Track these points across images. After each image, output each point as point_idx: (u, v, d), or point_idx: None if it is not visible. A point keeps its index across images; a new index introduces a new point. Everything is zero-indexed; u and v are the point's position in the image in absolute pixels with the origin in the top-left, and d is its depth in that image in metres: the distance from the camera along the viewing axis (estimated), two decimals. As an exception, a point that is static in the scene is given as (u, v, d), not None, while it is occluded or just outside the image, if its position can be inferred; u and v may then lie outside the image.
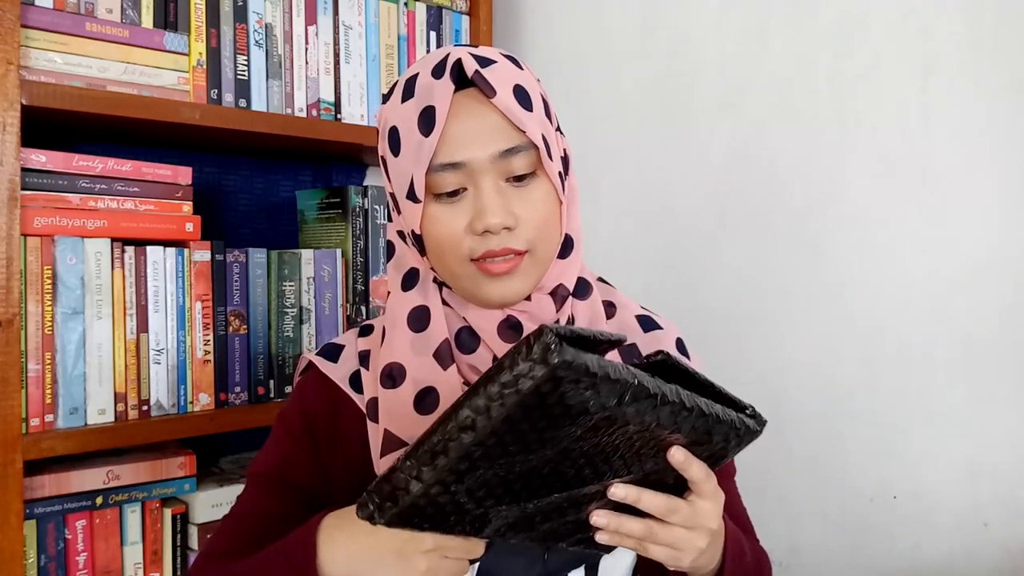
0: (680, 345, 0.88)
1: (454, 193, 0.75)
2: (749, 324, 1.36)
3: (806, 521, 1.31)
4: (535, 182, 0.76)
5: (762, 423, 0.69)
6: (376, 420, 0.81)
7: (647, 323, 0.88)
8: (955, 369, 1.18)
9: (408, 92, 0.76)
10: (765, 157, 1.36)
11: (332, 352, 0.87)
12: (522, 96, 0.74)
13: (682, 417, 0.62)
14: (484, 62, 0.74)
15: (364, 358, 0.85)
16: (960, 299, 1.18)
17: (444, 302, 0.81)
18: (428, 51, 1.50)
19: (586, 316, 0.83)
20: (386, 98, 0.80)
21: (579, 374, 0.54)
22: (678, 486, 0.68)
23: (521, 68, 0.77)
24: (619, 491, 0.65)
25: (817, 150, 1.30)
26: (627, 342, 0.86)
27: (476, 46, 0.78)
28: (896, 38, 1.23)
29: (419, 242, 0.78)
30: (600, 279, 0.91)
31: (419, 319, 0.80)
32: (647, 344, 0.86)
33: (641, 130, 1.51)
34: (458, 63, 0.74)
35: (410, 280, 0.81)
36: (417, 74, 0.77)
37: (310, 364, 0.87)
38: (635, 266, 1.49)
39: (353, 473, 0.82)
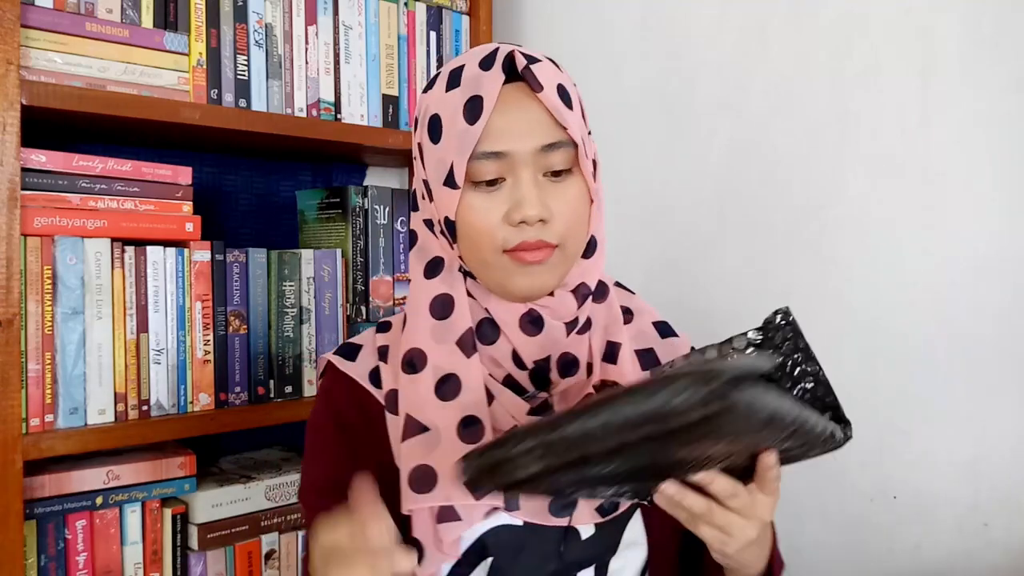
0: None
1: (492, 182, 0.76)
2: (749, 324, 1.36)
3: (806, 521, 1.31)
4: (570, 179, 0.78)
5: (848, 439, 0.70)
6: (395, 411, 0.81)
7: (665, 329, 0.89)
8: (955, 369, 1.18)
9: (454, 82, 0.77)
10: (765, 157, 1.36)
11: (350, 351, 0.88)
12: (564, 95, 0.77)
13: (798, 439, 0.62)
14: (532, 59, 0.77)
15: (383, 352, 0.85)
16: (960, 299, 1.18)
17: (467, 292, 0.81)
18: (428, 51, 1.50)
19: (603, 319, 0.84)
20: (428, 88, 0.81)
21: (750, 413, 0.54)
22: (743, 475, 0.68)
23: (561, 71, 0.80)
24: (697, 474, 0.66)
25: (817, 150, 1.30)
26: (647, 347, 0.87)
27: (520, 46, 0.80)
28: (896, 38, 1.23)
29: (451, 230, 0.78)
30: (618, 284, 0.91)
31: (442, 306, 0.80)
32: (664, 350, 0.87)
33: (641, 130, 1.51)
34: (510, 56, 0.76)
35: (433, 269, 0.82)
36: (463, 65, 0.78)
37: (329, 365, 0.88)
38: (635, 266, 1.49)
39: (380, 468, 0.82)
